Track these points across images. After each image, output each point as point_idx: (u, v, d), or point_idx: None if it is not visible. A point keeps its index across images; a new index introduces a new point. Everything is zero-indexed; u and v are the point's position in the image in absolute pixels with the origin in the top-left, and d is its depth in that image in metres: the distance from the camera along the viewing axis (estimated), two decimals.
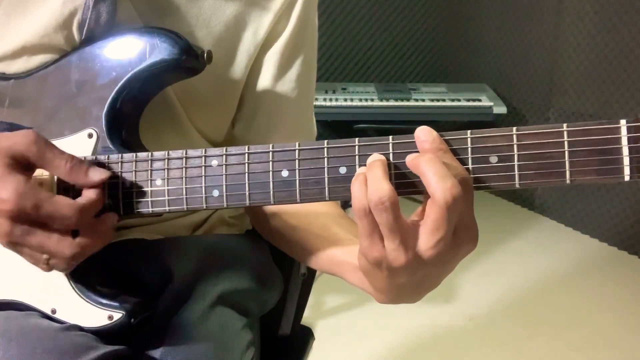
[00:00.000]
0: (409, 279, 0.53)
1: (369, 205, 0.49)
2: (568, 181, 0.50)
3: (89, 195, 0.60)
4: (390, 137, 0.54)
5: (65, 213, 0.58)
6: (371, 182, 0.50)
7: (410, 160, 0.51)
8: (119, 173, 0.63)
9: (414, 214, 0.53)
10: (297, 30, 0.81)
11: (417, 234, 0.50)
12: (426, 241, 0.50)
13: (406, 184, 0.53)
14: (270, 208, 0.79)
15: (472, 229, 0.52)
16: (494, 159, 0.51)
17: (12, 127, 0.70)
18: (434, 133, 0.52)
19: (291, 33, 0.80)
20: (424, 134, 0.52)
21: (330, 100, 2.95)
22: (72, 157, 0.60)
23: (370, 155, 0.54)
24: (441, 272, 0.55)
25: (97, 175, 0.61)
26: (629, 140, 0.48)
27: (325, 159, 0.55)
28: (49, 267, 0.61)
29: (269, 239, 0.84)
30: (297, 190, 0.57)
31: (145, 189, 0.63)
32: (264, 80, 0.81)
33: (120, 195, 0.63)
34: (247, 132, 0.84)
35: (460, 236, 0.51)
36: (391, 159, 0.53)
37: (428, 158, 0.50)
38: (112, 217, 0.63)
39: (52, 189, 0.64)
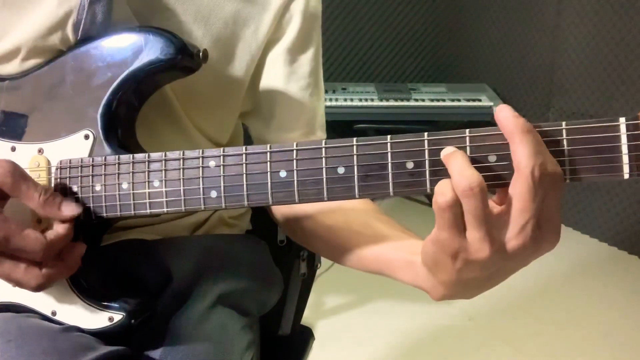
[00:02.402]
0: (481, 273, 0.52)
1: (457, 193, 0.48)
2: (567, 180, 0.50)
3: (58, 230, 0.61)
4: (389, 136, 0.53)
5: (33, 248, 0.58)
6: (457, 171, 0.48)
7: (505, 117, 0.49)
8: (116, 174, 0.63)
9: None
10: (303, 25, 0.80)
11: (502, 223, 0.49)
12: (513, 227, 0.48)
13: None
14: (303, 209, 0.77)
15: (557, 224, 0.50)
16: (492, 157, 0.51)
17: (8, 129, 0.70)
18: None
19: (299, 29, 0.80)
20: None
21: (330, 100, 2.95)
22: (46, 190, 0.61)
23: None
24: (514, 268, 0.53)
25: (69, 210, 0.61)
26: (629, 138, 0.48)
27: (323, 159, 0.55)
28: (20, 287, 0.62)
29: (302, 241, 0.82)
30: (296, 190, 0.56)
31: (142, 190, 0.62)
32: (277, 79, 0.81)
33: (118, 196, 0.63)
34: (265, 132, 0.84)
35: (544, 230, 0.49)
36: (390, 159, 0.53)
37: (526, 128, 0.48)
38: (80, 248, 0.63)
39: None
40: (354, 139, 0.54)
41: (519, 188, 0.47)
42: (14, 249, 0.58)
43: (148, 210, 0.63)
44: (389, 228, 0.67)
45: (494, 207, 0.52)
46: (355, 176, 0.54)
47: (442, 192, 0.48)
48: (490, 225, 0.48)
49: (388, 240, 0.65)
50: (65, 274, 0.63)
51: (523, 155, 0.47)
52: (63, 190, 0.65)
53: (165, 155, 0.61)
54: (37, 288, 0.61)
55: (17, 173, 0.60)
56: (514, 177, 0.48)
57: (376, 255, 0.65)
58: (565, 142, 0.49)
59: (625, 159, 0.48)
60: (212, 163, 0.60)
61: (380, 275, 0.65)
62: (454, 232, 0.49)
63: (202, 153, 0.60)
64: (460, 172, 0.48)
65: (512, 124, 0.48)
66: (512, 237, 0.49)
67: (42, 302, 0.67)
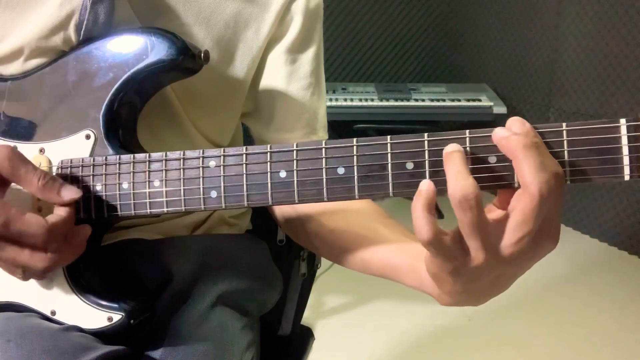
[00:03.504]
0: (482, 281, 0.52)
1: (452, 203, 0.47)
2: (568, 181, 0.50)
3: (59, 213, 0.61)
4: (389, 137, 0.53)
5: (34, 231, 0.58)
6: (453, 177, 0.47)
7: (502, 137, 0.48)
8: (117, 174, 0.63)
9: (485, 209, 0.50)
10: (304, 25, 0.80)
11: (499, 231, 0.48)
12: (509, 237, 0.48)
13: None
14: (306, 211, 0.77)
15: (556, 227, 0.50)
16: (492, 159, 0.51)
17: (10, 129, 0.70)
18: (527, 124, 0.48)
19: (299, 29, 0.80)
20: (517, 127, 0.48)
21: (330, 100, 2.94)
22: (45, 175, 0.61)
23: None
24: (516, 273, 0.53)
25: (69, 194, 0.61)
26: (629, 139, 0.48)
27: (323, 159, 0.55)
28: (25, 278, 0.62)
29: (304, 243, 0.82)
30: (295, 190, 0.57)
31: (143, 190, 0.62)
32: (278, 80, 0.81)
33: (118, 196, 0.63)
34: (265, 132, 0.84)
35: (543, 234, 0.49)
36: (390, 159, 0.53)
37: (527, 143, 0.47)
38: (85, 229, 0.63)
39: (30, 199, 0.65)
40: (354, 139, 0.54)
41: (524, 203, 0.46)
42: (16, 233, 0.58)
43: (148, 210, 0.63)
44: (392, 232, 0.67)
45: (494, 210, 0.52)
46: (355, 176, 0.54)
47: (419, 231, 0.48)
48: (486, 234, 0.48)
49: (391, 244, 0.65)
50: (71, 257, 0.63)
51: (529, 173, 0.46)
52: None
53: (165, 155, 0.62)
54: (44, 271, 0.61)
55: (16, 157, 0.60)
56: (520, 191, 0.47)
57: (380, 259, 0.65)
58: (565, 143, 0.49)
59: (626, 160, 0.48)
60: (212, 163, 0.60)
61: (385, 278, 0.65)
62: (446, 258, 0.50)
63: (203, 153, 0.60)
64: (456, 180, 0.47)
65: (513, 143, 0.47)
66: (510, 245, 0.48)
67: (42, 301, 0.67)
